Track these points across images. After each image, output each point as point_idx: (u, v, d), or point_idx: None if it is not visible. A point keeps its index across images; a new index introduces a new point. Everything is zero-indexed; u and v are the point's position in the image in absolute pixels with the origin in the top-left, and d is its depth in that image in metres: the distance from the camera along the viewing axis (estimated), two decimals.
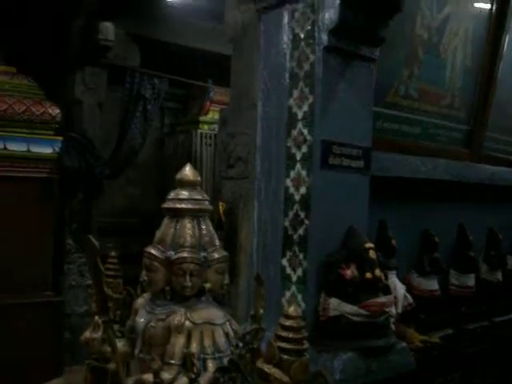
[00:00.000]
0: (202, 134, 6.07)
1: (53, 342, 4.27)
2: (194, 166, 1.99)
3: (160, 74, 5.63)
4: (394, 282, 2.72)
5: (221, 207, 2.74)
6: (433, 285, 3.07)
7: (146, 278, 1.76)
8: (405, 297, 2.76)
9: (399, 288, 2.74)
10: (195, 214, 1.81)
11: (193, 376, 1.33)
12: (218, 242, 1.86)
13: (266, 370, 1.29)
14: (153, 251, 1.76)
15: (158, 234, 1.82)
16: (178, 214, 1.82)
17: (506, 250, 3.69)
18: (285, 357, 1.29)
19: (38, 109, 4.31)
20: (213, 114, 6.01)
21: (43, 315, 4.26)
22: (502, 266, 3.59)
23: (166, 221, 1.83)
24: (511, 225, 3.86)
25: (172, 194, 1.85)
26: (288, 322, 1.32)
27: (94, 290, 1.44)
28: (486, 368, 3.20)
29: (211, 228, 1.85)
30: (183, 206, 1.81)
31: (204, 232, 1.81)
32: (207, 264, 1.78)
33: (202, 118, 6.09)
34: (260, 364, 1.32)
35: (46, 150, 4.30)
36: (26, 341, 3.97)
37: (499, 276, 3.55)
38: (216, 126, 5.44)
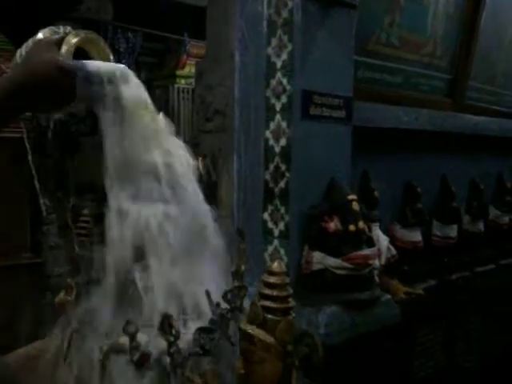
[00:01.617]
0: (179, 88, 5.97)
1: (33, 303, 4.23)
2: (172, 121, 1.90)
3: (134, 28, 5.48)
4: (378, 234, 2.70)
5: (200, 162, 2.66)
6: (416, 236, 3.06)
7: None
8: (388, 249, 2.74)
9: (382, 240, 2.72)
10: None
11: (171, 338, 1.27)
12: None
13: (249, 331, 1.23)
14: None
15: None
16: None
17: (488, 201, 3.68)
18: (269, 316, 1.23)
19: (9, 66, 4.17)
20: (190, 68, 5.89)
21: (23, 277, 4.21)
22: (483, 216, 3.59)
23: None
24: (493, 175, 3.85)
25: None
26: (272, 279, 1.26)
27: (66, 250, 1.37)
28: (468, 318, 3.22)
29: None
30: None
31: None
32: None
33: (178, 72, 5.98)
34: (243, 325, 1.26)
35: None
36: (6, 303, 3.92)
37: (481, 226, 3.55)
38: (193, 81, 5.34)
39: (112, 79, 1.32)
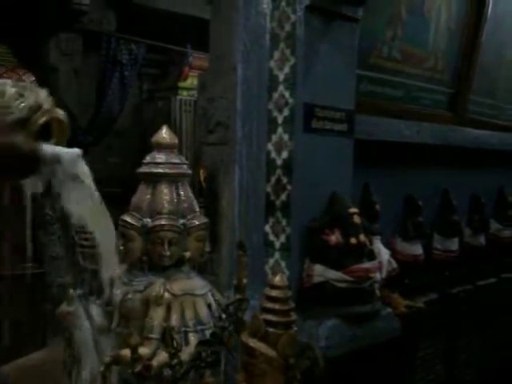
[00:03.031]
0: (181, 100, 5.97)
1: (34, 314, 4.22)
2: (174, 133, 1.91)
3: (137, 39, 5.50)
4: (379, 247, 2.70)
5: (201, 174, 2.67)
6: (417, 249, 3.06)
7: (122, 247, 1.68)
8: (389, 262, 2.74)
9: (383, 253, 2.72)
10: (173, 179, 1.73)
11: (173, 351, 1.28)
12: (197, 209, 1.78)
13: (251, 344, 1.23)
14: (128, 219, 1.68)
15: (134, 200, 1.74)
16: (154, 179, 1.74)
17: (488, 214, 3.68)
18: (271, 330, 1.23)
19: (12, 76, 4.18)
20: (192, 80, 5.90)
21: (24, 287, 4.20)
22: (484, 230, 3.59)
23: (141, 186, 1.74)
24: (494, 189, 3.85)
25: (148, 158, 1.76)
26: (274, 293, 1.27)
27: (69, 261, 1.37)
28: (469, 332, 3.21)
29: (190, 194, 1.78)
30: (160, 170, 1.73)
31: (183, 198, 1.74)
32: (186, 232, 1.71)
33: (181, 84, 5.99)
34: (245, 338, 1.26)
35: None
36: (7, 313, 3.91)
37: (482, 240, 3.55)
38: (195, 92, 5.35)
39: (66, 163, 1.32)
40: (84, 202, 1.34)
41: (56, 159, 1.28)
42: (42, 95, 1.32)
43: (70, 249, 1.39)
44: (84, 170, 1.34)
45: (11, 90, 1.29)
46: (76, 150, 1.34)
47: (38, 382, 1.89)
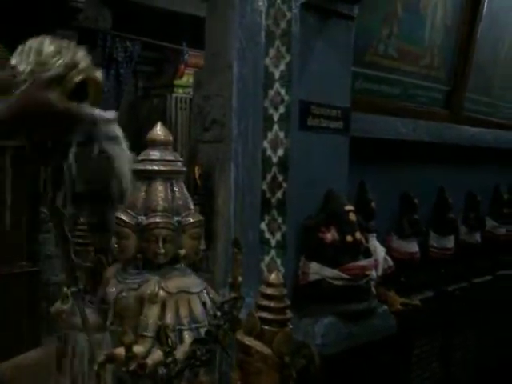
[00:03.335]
0: (176, 97, 5.95)
1: (29, 312, 4.21)
2: (169, 131, 1.90)
3: (132, 37, 5.48)
4: (375, 244, 2.69)
5: (197, 172, 2.66)
6: (413, 247, 3.05)
7: (116, 245, 1.67)
8: (385, 260, 2.73)
9: (379, 251, 2.71)
10: (168, 176, 1.73)
11: (168, 349, 1.27)
12: (192, 206, 1.77)
13: (246, 342, 1.23)
14: (122, 216, 1.67)
15: (128, 198, 1.73)
16: (149, 177, 1.73)
17: (484, 212, 3.69)
18: (266, 328, 1.23)
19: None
20: (188, 78, 5.88)
21: (19, 285, 4.19)
22: (480, 227, 3.59)
23: (136, 184, 1.74)
24: (490, 186, 3.86)
25: (142, 155, 1.75)
26: (269, 291, 1.26)
27: (62, 259, 1.36)
28: (465, 329, 3.22)
29: (185, 191, 1.77)
30: (154, 167, 1.72)
31: (177, 195, 1.73)
32: (181, 229, 1.70)
33: (176, 82, 5.96)
34: (240, 336, 1.26)
35: None
36: (2, 312, 3.90)
37: (478, 238, 3.55)
38: (191, 90, 5.34)
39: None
40: (123, 164, 1.34)
41: (91, 119, 1.28)
42: (80, 54, 1.31)
43: (64, 246, 1.38)
44: (119, 132, 1.34)
45: (49, 48, 1.28)
46: (112, 113, 1.34)
47: (34, 380, 1.89)
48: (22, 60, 1.30)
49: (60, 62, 1.27)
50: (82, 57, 1.31)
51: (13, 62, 1.33)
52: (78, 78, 1.27)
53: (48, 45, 1.30)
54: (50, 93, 1.21)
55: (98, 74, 1.35)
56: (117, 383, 1.43)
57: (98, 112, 1.31)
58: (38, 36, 1.36)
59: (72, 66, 1.28)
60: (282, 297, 1.25)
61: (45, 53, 1.29)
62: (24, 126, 1.22)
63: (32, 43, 1.32)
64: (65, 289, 1.47)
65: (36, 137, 1.28)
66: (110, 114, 1.34)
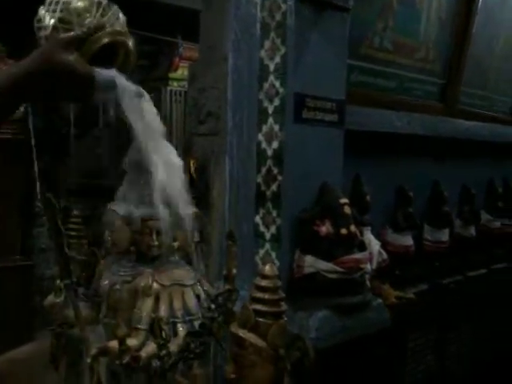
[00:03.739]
0: (171, 91, 5.93)
1: (23, 306, 4.20)
2: (164, 124, 1.89)
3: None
4: (369, 238, 2.69)
5: (192, 165, 2.65)
6: (407, 240, 3.06)
7: (109, 237, 1.66)
8: (379, 253, 2.73)
9: (374, 244, 2.71)
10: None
11: (161, 342, 1.26)
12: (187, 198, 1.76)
13: (240, 334, 1.22)
14: (115, 209, 1.67)
15: (121, 189, 1.71)
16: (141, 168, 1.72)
17: (479, 205, 3.69)
18: (261, 320, 1.22)
19: (1, 67, 4.14)
20: (182, 71, 5.86)
21: (12, 280, 4.18)
22: (475, 221, 3.60)
23: (129, 175, 1.72)
24: (485, 180, 3.86)
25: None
26: (264, 283, 1.25)
27: (55, 252, 1.35)
28: (459, 323, 3.22)
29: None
30: None
31: None
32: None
33: (171, 75, 5.94)
34: (234, 328, 1.25)
35: None
36: None
37: (473, 231, 3.55)
38: (186, 83, 5.32)
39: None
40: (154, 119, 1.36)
41: (112, 85, 1.23)
42: (111, 14, 1.26)
43: (57, 239, 1.37)
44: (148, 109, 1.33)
45: (77, 4, 1.24)
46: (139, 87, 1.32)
47: (27, 375, 1.88)
48: (47, 12, 1.26)
49: (86, 21, 1.22)
50: (111, 18, 1.26)
51: (40, 12, 1.30)
52: (102, 42, 1.22)
53: (77, 0, 1.24)
54: (69, 55, 1.16)
55: (128, 39, 1.30)
56: (110, 376, 1.43)
57: (120, 79, 1.26)
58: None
59: (98, 27, 1.23)
60: (276, 289, 1.24)
61: (72, 8, 1.24)
62: (40, 89, 1.17)
63: None
64: (57, 282, 1.46)
65: (53, 101, 1.26)
66: (134, 86, 1.31)
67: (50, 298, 1.60)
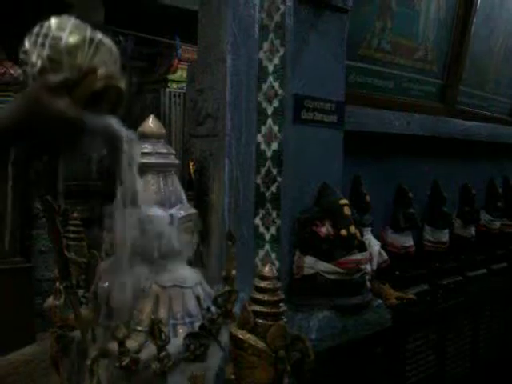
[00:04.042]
0: (170, 93, 5.94)
1: (23, 308, 4.19)
2: (163, 126, 1.89)
3: (125, 32, 5.46)
4: (369, 238, 2.69)
5: (191, 167, 2.65)
6: (407, 241, 3.05)
7: (108, 239, 1.66)
8: (380, 253, 2.73)
9: (374, 245, 2.71)
10: (160, 169, 1.71)
11: (161, 344, 1.26)
12: (185, 199, 1.76)
13: (240, 336, 1.22)
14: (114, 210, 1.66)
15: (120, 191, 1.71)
16: (141, 170, 1.69)
17: (479, 206, 3.69)
18: (260, 321, 1.22)
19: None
20: (181, 73, 5.87)
21: (12, 282, 4.17)
22: (475, 221, 3.59)
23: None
24: (485, 180, 3.86)
25: None
26: (263, 284, 1.25)
27: (55, 254, 1.35)
28: (460, 323, 3.22)
29: (178, 184, 1.76)
30: (146, 160, 1.70)
31: (170, 188, 1.72)
32: (174, 223, 1.69)
33: (170, 77, 5.95)
34: (234, 329, 1.25)
35: None
36: None
37: (472, 231, 3.55)
38: (185, 85, 5.32)
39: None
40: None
41: (107, 133, 1.15)
42: (104, 52, 1.12)
43: (57, 241, 1.36)
44: (137, 154, 1.27)
45: (69, 38, 1.08)
46: (131, 133, 1.23)
47: (28, 377, 1.88)
48: (35, 48, 1.11)
49: (77, 61, 1.09)
50: (105, 58, 1.13)
51: (26, 43, 1.14)
52: (95, 87, 1.10)
53: (69, 34, 1.10)
54: (59, 99, 1.04)
55: (122, 83, 1.18)
56: (110, 378, 1.42)
57: (115, 126, 1.17)
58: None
59: (90, 70, 1.09)
60: (275, 290, 1.24)
61: (62, 46, 1.09)
62: (27, 135, 1.06)
63: (51, 26, 1.12)
64: (57, 284, 1.46)
65: (40, 149, 1.13)
66: (131, 133, 1.22)
67: (50, 300, 1.60)
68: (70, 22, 1.13)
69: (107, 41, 1.16)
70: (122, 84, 1.20)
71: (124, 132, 1.23)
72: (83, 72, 1.09)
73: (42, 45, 1.10)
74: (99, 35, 1.15)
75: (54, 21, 1.14)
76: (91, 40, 1.12)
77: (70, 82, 1.08)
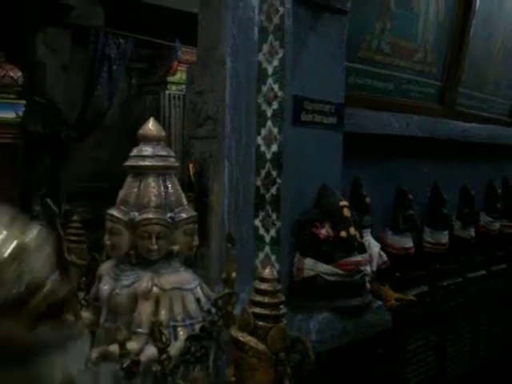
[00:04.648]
0: (170, 94, 5.93)
1: None
2: (163, 128, 1.88)
3: (125, 34, 5.45)
4: (369, 240, 2.69)
5: (191, 168, 2.64)
6: (407, 242, 3.06)
7: (109, 242, 1.65)
8: (379, 255, 2.73)
9: (374, 246, 2.71)
10: (160, 172, 1.71)
11: (162, 346, 1.26)
12: (185, 202, 1.76)
13: (240, 338, 1.22)
14: (115, 213, 1.65)
15: (121, 194, 1.71)
16: (141, 172, 1.71)
17: (478, 207, 3.69)
18: (260, 323, 1.22)
19: None
20: (181, 75, 5.86)
21: None
22: (474, 222, 3.59)
23: (128, 180, 1.71)
24: (484, 182, 3.86)
25: (135, 151, 1.73)
26: (263, 286, 1.25)
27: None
28: (460, 324, 3.22)
29: (178, 187, 1.75)
30: (147, 163, 1.70)
31: (170, 191, 1.71)
32: (174, 225, 1.68)
33: (169, 79, 5.94)
34: (234, 332, 1.25)
35: (9, 115, 4.16)
36: None
37: (472, 232, 3.55)
38: (184, 87, 5.31)
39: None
40: None
41: (59, 348, 1.01)
42: (44, 259, 0.95)
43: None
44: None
45: (3, 248, 0.91)
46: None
47: None
48: None
49: (20, 280, 0.92)
50: (46, 267, 0.97)
51: None
52: (43, 307, 0.95)
53: (3, 241, 0.91)
54: (4, 321, 0.91)
55: (73, 299, 1.07)
56: (111, 380, 1.42)
57: (74, 344, 1.04)
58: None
59: (35, 287, 0.93)
60: (275, 292, 1.24)
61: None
62: None
63: None
64: None
65: None
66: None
67: None
68: (2, 221, 0.95)
69: (47, 243, 1.00)
70: (72, 292, 1.10)
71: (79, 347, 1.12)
72: (28, 290, 0.94)
73: None
74: (39, 234, 0.97)
75: None
76: (32, 242, 0.96)
77: (14, 303, 0.92)
